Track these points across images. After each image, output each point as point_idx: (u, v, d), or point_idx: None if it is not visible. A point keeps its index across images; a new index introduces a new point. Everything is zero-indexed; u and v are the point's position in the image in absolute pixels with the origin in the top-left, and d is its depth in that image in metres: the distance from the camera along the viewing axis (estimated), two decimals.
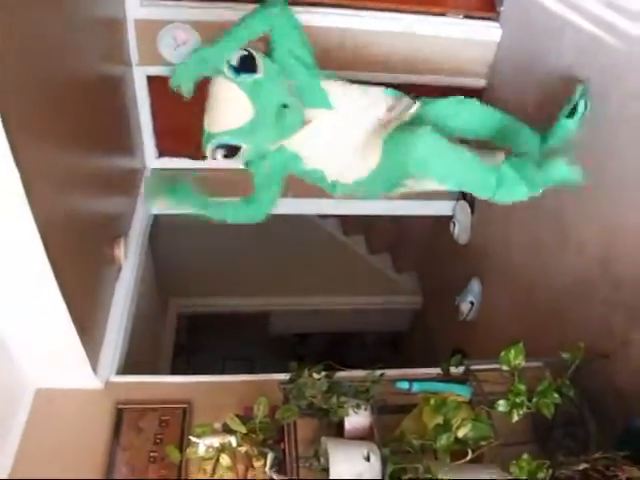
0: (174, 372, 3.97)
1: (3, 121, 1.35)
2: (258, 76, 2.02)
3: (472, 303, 3.25)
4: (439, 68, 3.05)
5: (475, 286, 3.26)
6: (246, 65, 2.03)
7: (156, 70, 2.93)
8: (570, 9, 2.38)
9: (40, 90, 1.71)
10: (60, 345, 2.01)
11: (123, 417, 2.15)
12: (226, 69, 2.02)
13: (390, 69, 3.00)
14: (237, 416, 1.81)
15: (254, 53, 2.06)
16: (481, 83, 3.12)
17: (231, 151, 2.11)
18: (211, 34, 2.78)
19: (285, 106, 2.06)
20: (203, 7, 2.79)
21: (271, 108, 2.05)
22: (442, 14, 2.99)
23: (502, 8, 2.96)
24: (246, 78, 2.01)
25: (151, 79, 2.98)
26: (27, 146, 1.51)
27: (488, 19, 3.02)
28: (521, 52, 2.83)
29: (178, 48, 2.84)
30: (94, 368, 2.19)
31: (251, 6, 2.21)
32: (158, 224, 3.35)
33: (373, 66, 2.97)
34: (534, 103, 2.64)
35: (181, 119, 3.17)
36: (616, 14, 2.11)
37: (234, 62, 2.02)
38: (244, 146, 2.09)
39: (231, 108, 2.07)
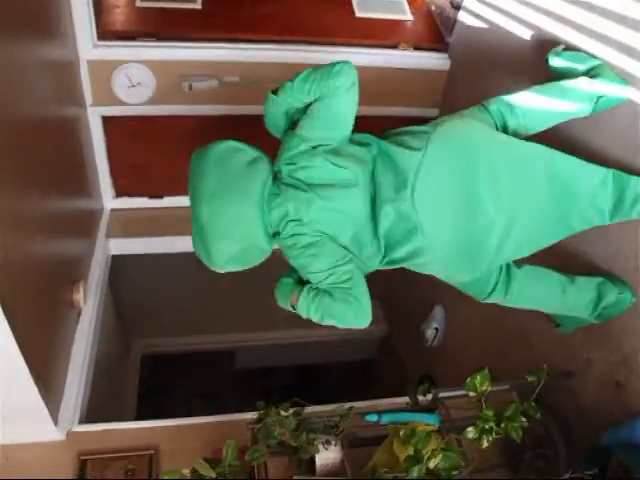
0: (140, 414, 3.87)
1: None
2: None
3: (437, 329, 3.27)
4: (393, 99, 3.12)
5: (439, 313, 3.29)
6: None
7: (111, 110, 2.92)
8: (513, 40, 2.47)
9: None
10: (16, 397, 1.93)
11: (87, 469, 2.08)
12: None
13: None
14: (206, 460, 1.77)
15: None
16: (435, 112, 3.19)
17: None
18: (166, 73, 2.83)
19: None
20: (157, 47, 2.80)
21: None
22: (393, 47, 3.07)
23: (450, 39, 3.07)
24: None
25: (106, 119, 2.96)
26: None
27: (437, 50, 3.12)
28: (471, 80, 2.92)
29: (133, 88, 2.84)
30: (54, 419, 2.12)
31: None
32: (118, 265, 3.30)
33: None
34: None
35: (137, 158, 3.18)
36: None
37: None
38: None
39: None
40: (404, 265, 1.76)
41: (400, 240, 1.66)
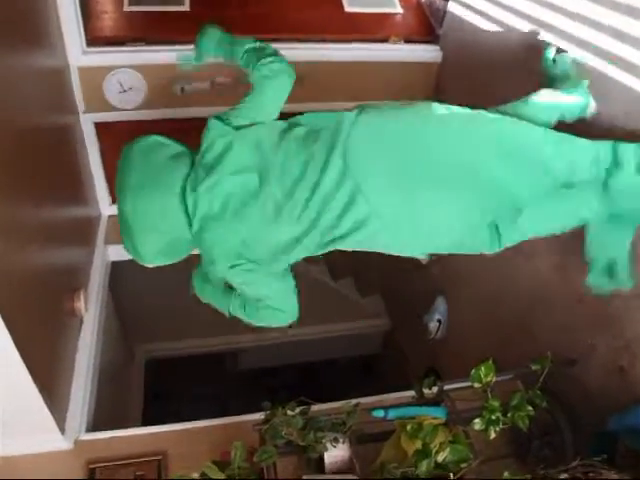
0: (146, 419, 3.87)
1: None
2: None
3: (439, 321, 3.26)
4: (386, 93, 3.11)
5: (441, 304, 3.28)
6: None
7: (104, 116, 2.91)
8: (503, 30, 2.47)
9: None
10: (22, 408, 1.93)
11: (95, 476, 2.08)
12: None
13: (337, 97, 3.05)
14: (215, 462, 1.76)
15: None
16: None
17: None
18: (157, 76, 2.82)
19: None
20: (147, 51, 2.79)
21: None
22: (384, 40, 3.07)
23: (441, 31, 3.06)
24: None
25: (99, 125, 2.95)
26: None
27: (428, 42, 3.12)
28: (463, 71, 2.91)
29: (124, 93, 2.83)
30: (61, 428, 2.12)
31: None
32: (118, 271, 3.29)
33: (322, 96, 3.01)
34: None
35: None
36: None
37: None
38: None
39: None
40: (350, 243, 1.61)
41: (339, 213, 1.53)
